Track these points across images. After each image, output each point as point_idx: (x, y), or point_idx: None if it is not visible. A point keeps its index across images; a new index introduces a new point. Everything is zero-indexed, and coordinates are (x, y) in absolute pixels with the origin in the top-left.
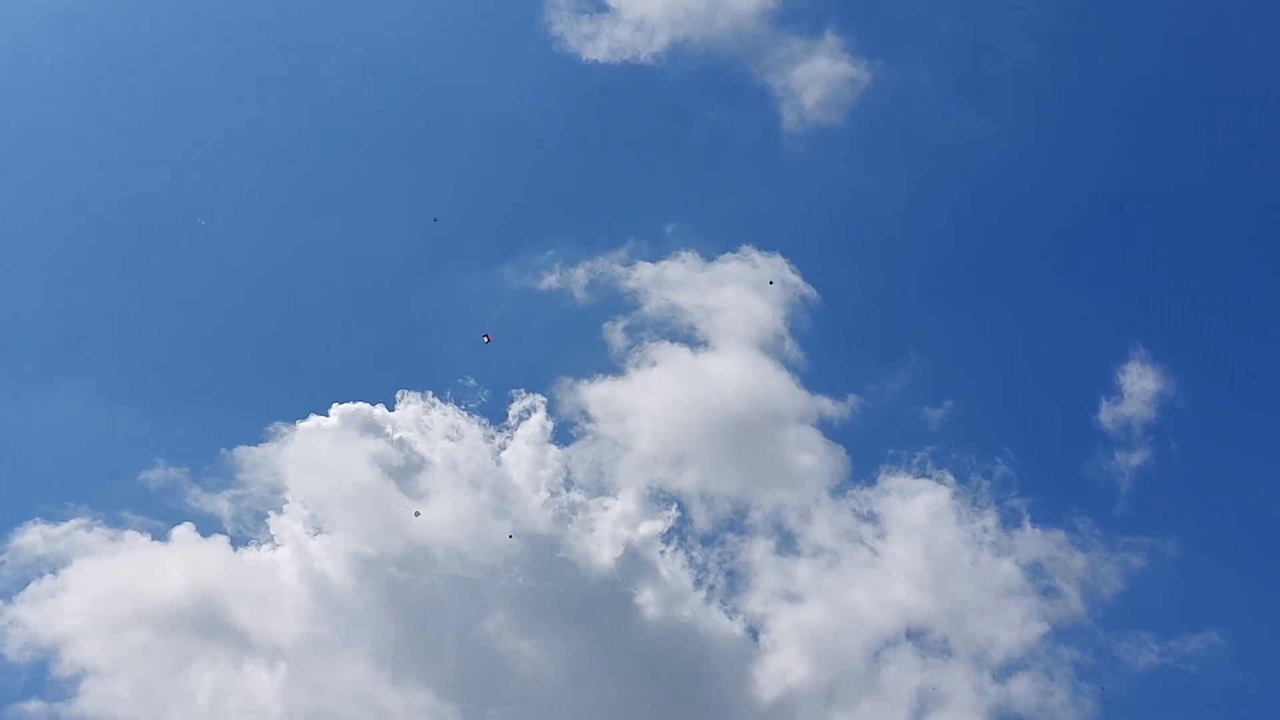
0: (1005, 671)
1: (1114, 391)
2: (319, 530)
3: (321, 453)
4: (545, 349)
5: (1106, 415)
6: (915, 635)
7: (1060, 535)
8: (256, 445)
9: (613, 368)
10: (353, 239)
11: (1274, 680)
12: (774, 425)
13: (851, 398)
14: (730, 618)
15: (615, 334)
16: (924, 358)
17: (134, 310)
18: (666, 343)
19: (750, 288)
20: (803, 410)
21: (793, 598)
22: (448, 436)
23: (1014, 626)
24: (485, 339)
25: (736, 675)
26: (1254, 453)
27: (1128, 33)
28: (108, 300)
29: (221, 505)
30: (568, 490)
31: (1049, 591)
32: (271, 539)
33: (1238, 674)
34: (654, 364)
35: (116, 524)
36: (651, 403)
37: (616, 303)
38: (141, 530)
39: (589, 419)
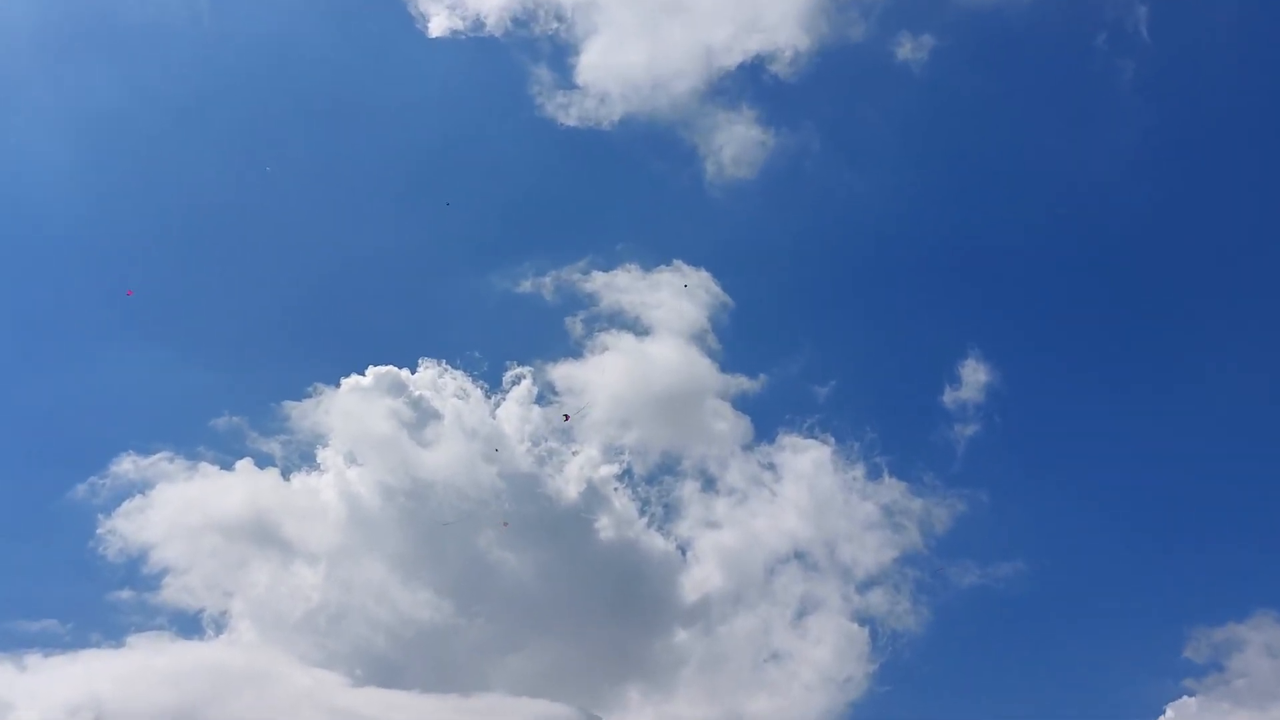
0: (865, 585)
1: (955, 379)
2: (354, 463)
3: (359, 404)
4: (525, 337)
5: (949, 397)
6: (800, 556)
7: (910, 486)
8: (300, 400)
9: (574, 352)
10: (383, 240)
11: (1062, 598)
12: (699, 397)
13: (760, 376)
14: (665, 539)
15: (576, 326)
16: (815, 349)
17: (207, 289)
18: (615, 331)
19: (680, 293)
20: (721, 387)
21: (712, 525)
22: (457, 396)
23: (873, 551)
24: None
25: (668, 583)
26: (1058, 428)
27: (969, 111)
28: (188, 280)
29: (274, 446)
30: (545, 441)
31: (899, 528)
32: (319, 466)
33: (1036, 591)
34: (606, 349)
35: (192, 458)
36: (605, 378)
37: (577, 302)
38: (212, 463)
39: (555, 391)
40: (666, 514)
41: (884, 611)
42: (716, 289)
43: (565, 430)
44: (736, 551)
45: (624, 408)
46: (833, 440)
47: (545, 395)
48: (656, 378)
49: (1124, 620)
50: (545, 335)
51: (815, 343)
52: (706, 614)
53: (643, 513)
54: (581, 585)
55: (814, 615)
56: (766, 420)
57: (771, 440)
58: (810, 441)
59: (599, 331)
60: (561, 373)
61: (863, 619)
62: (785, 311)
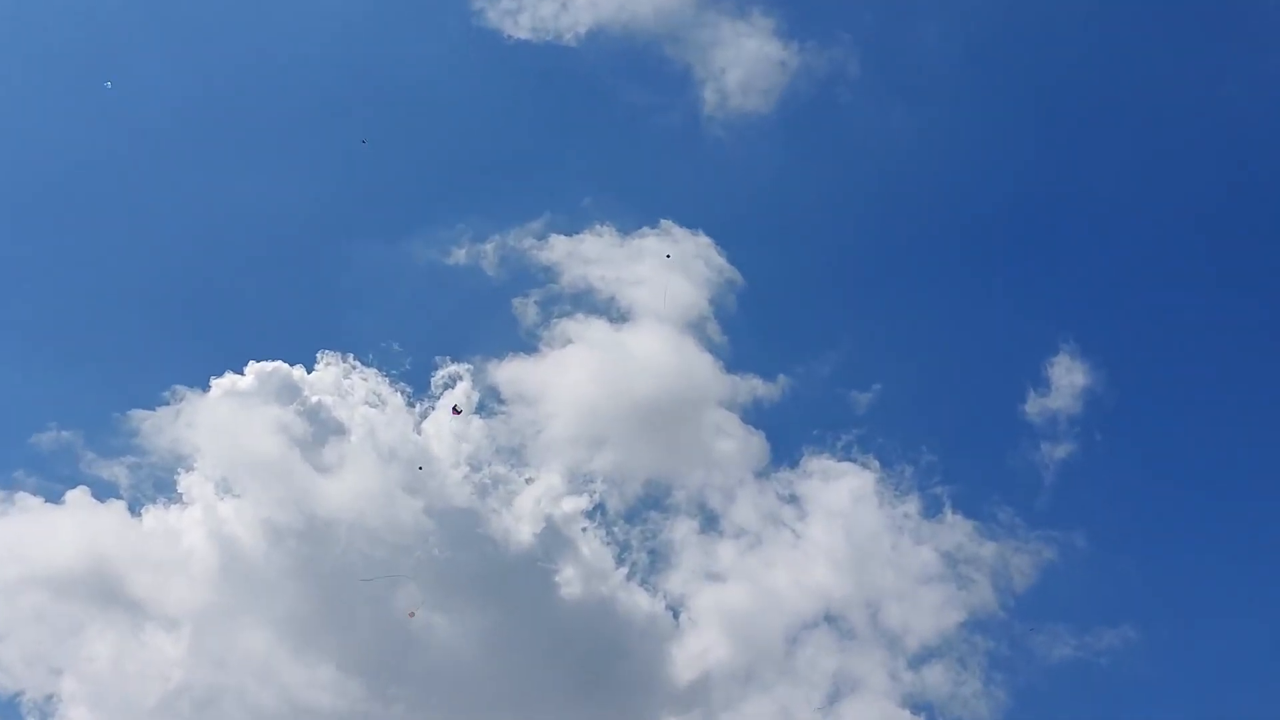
0: (920, 659)
1: (1042, 384)
2: (228, 493)
3: (235, 413)
4: (459, 324)
5: (1033, 407)
6: (833, 619)
7: (981, 525)
8: (154, 410)
9: (526, 345)
10: (262, 199)
11: (1183, 674)
12: (697, 406)
13: (779, 379)
14: (651, 596)
15: (528, 310)
16: (853, 342)
17: (28, 264)
18: (582, 316)
19: (670, 265)
20: (726, 392)
21: (714, 577)
22: (369, 403)
23: (931, 614)
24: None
25: (655, 654)
26: (1177, 449)
27: (1058, 25)
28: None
29: (118, 471)
30: (489, 464)
31: (966, 582)
32: (180, 498)
33: (1149, 667)
34: (570, 342)
35: (7, 486)
36: (569, 381)
37: (530, 277)
38: (34, 493)
39: (500, 398)
40: (653, 563)
41: (945, 694)
42: (720, 260)
43: (515, 450)
44: (747, 614)
45: (595, 421)
46: (877, 464)
47: (488, 403)
48: (638, 380)
49: (1267, 703)
50: (487, 322)
51: (853, 334)
52: (706, 698)
53: (621, 561)
54: (538, 660)
55: (851, 699)
56: (788, 437)
57: (794, 464)
58: (846, 465)
59: (560, 317)
60: (509, 373)
61: (917, 704)
62: (813, 291)
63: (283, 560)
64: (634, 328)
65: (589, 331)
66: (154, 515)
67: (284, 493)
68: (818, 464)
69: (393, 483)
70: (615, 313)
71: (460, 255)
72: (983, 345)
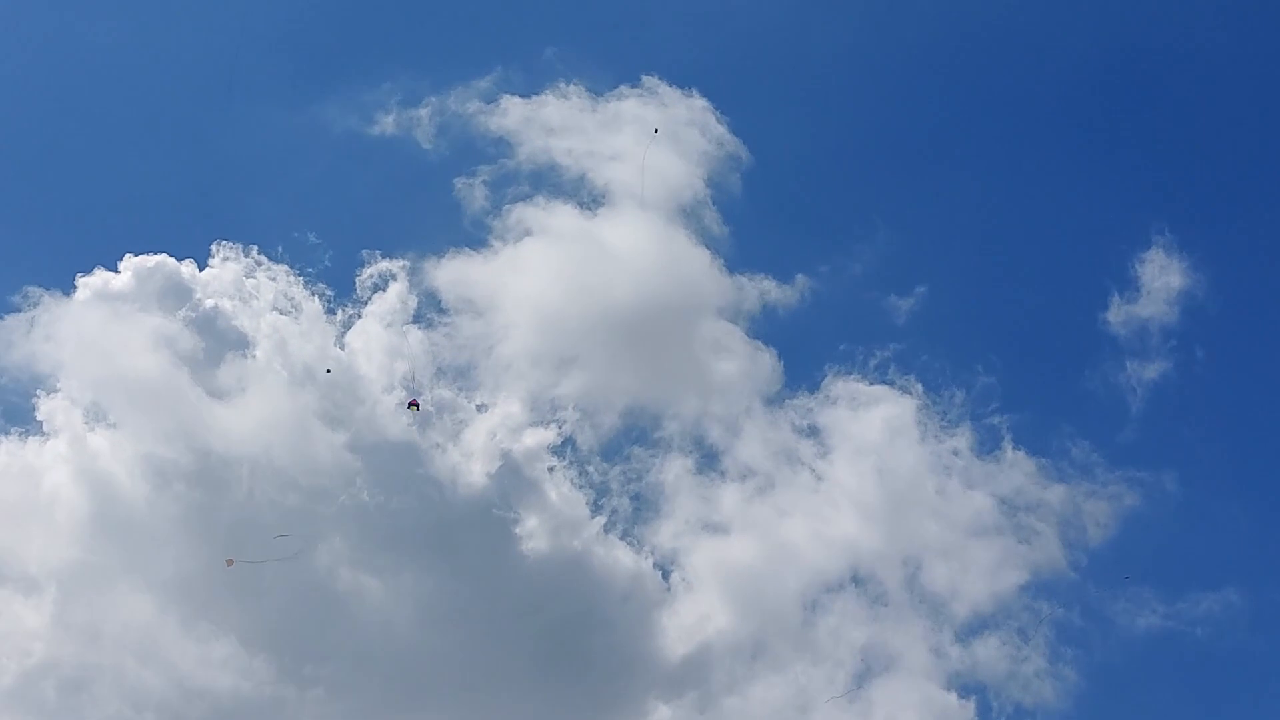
0: (970, 630)
1: (1129, 286)
2: (101, 422)
3: (107, 321)
4: (390, 210)
5: (1117, 315)
6: (862, 580)
7: (1047, 464)
8: (2, 317)
9: (473, 237)
10: (139, 50)
11: None
12: (690, 315)
13: (796, 280)
14: (635, 551)
15: (475, 192)
16: (889, 231)
17: None
18: (544, 201)
19: (656, 136)
20: (728, 297)
21: (714, 529)
22: (278, 308)
23: (984, 574)
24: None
25: (640, 624)
26: None
27: None
28: None
29: None
30: (431, 388)
31: (1028, 534)
32: (39, 429)
33: (1256, 638)
34: (528, 233)
35: None
36: (528, 283)
37: (476, 150)
38: None
39: (442, 306)
40: (637, 511)
41: (1000, 674)
42: (719, 129)
43: (462, 371)
44: (755, 574)
45: (562, 334)
46: (919, 388)
47: (427, 310)
48: (616, 283)
49: None
50: (424, 209)
51: (891, 222)
52: (703, 679)
53: (597, 509)
54: (493, 632)
55: (884, 680)
56: (806, 354)
57: (814, 388)
58: (880, 390)
59: (516, 202)
60: (453, 273)
61: (965, 685)
62: (839, 167)
63: (169, 508)
64: (610, 216)
65: (553, 220)
66: (5, 450)
67: (170, 423)
68: (844, 388)
69: (309, 411)
70: (586, 197)
71: (388, 123)
72: (1054, 236)
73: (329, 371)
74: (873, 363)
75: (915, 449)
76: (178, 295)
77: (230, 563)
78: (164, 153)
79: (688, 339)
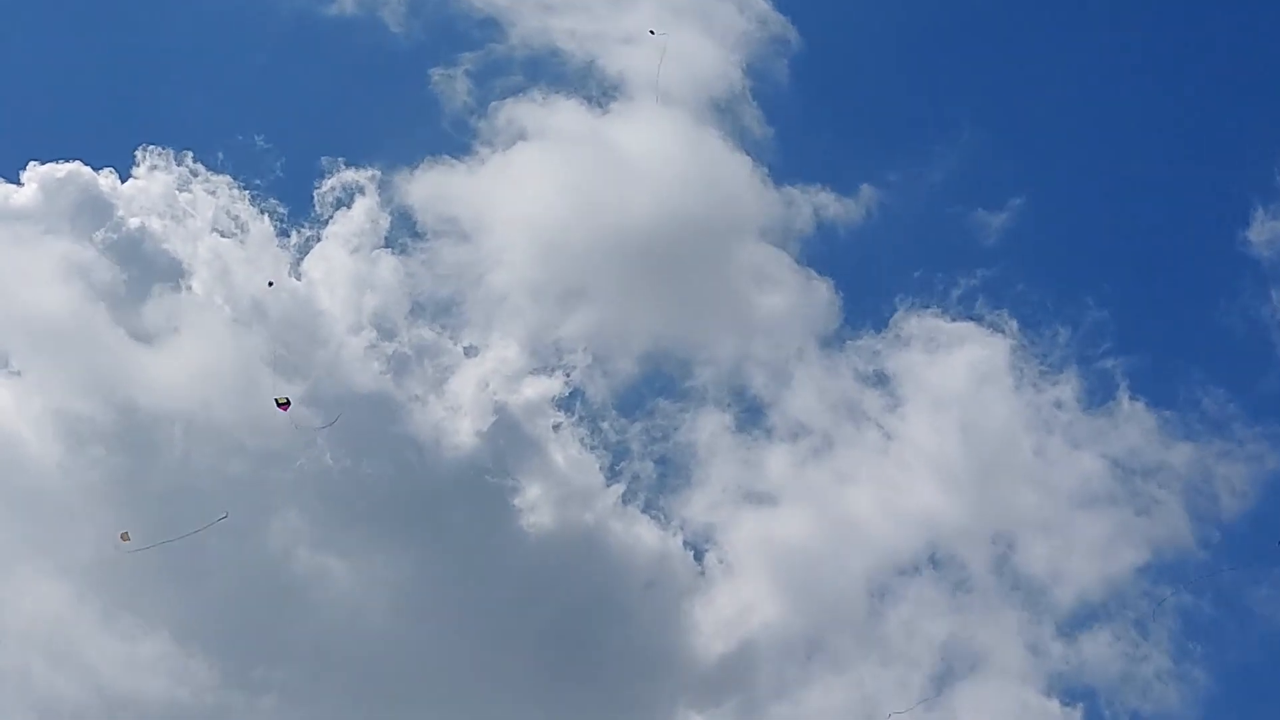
0: (1076, 622)
1: (1276, 196)
2: (4, 369)
3: (5, 247)
4: (354, 110)
5: (1259, 234)
6: (942, 563)
7: (1173, 418)
8: None
9: (456, 143)
10: None
11: None
12: (727, 237)
13: (860, 193)
14: (661, 527)
15: (457, 87)
16: (977, 134)
17: None
18: (542, 96)
19: (680, 12)
20: (773, 215)
21: (758, 499)
22: (219, 229)
23: (1093, 554)
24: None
25: (668, 615)
26: None
27: None
28: None
29: None
30: (408, 327)
31: (1149, 503)
32: None
33: None
34: (522, 137)
35: None
36: (525, 198)
37: (460, 36)
38: None
39: (418, 228)
40: (663, 478)
41: (1113, 675)
42: (761, 3)
43: (446, 306)
44: (809, 554)
45: (567, 261)
46: (1013, 325)
47: (401, 235)
48: (633, 196)
49: None
50: (395, 106)
51: (977, 121)
52: (747, 681)
53: (614, 475)
54: (487, 624)
55: (970, 682)
56: (871, 285)
57: (882, 327)
58: (965, 327)
59: (507, 97)
60: (431, 185)
61: (1071, 689)
62: (911, 53)
63: (85, 475)
64: (624, 113)
65: (553, 120)
66: None
67: (85, 371)
68: (919, 325)
69: (256, 356)
70: (595, 90)
71: (346, 1)
72: (1181, 139)
73: (270, 285)
74: (955, 294)
75: (1008, 400)
76: (94, 213)
77: (125, 537)
78: (76, 37)
79: (723, 267)
